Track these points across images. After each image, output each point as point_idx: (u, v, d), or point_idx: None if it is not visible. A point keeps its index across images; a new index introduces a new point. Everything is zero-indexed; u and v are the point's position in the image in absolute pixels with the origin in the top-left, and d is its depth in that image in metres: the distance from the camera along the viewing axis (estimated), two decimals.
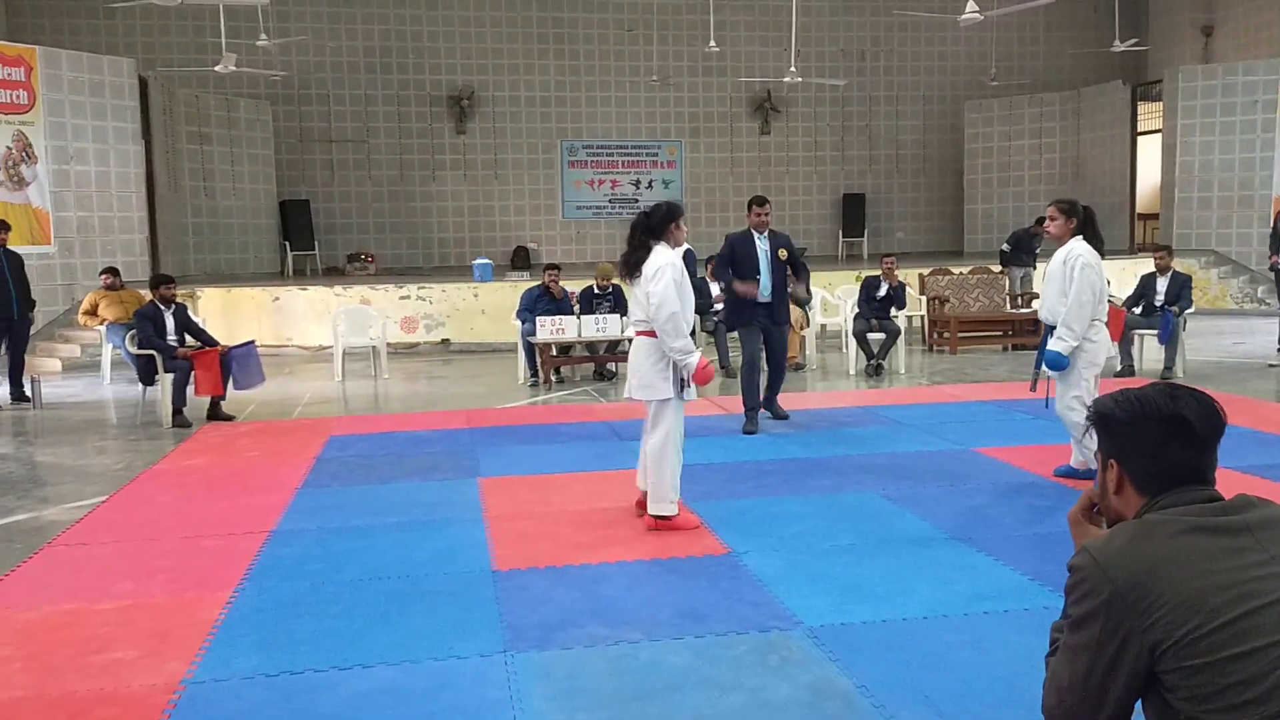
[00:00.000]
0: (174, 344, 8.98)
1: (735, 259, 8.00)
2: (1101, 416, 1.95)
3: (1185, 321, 10.53)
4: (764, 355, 8.17)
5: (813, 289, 11.30)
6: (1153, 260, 10.85)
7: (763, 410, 8.17)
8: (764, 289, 7.91)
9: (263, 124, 19.03)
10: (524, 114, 21.06)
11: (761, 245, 7.96)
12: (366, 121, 20.51)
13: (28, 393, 9.99)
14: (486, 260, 15.33)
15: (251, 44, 16.52)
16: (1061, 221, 5.77)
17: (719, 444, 7.31)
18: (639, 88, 21.32)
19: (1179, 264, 12.06)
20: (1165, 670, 1.72)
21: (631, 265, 5.32)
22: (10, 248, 10.23)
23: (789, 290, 8.22)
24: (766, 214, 7.99)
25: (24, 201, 13.30)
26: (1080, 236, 5.77)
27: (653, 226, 5.32)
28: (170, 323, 9.07)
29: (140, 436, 8.38)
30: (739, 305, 8.00)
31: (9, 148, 13.17)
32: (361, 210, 20.63)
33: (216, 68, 15.54)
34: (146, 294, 9.78)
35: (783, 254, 8.01)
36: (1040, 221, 14.87)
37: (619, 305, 11.09)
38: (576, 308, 11.20)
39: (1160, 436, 1.86)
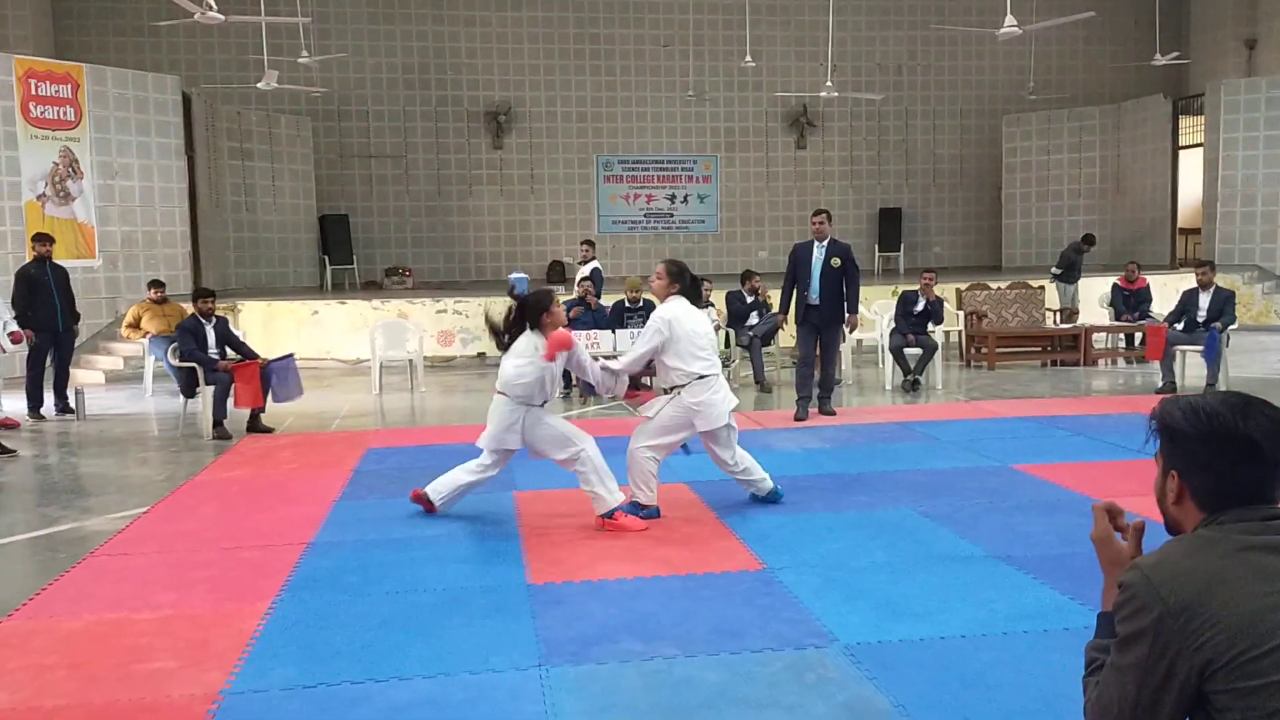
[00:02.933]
0: (215, 357, 9.10)
1: (795, 264, 9.06)
2: (1167, 427, 1.87)
3: (1228, 338, 10.38)
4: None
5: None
6: (1195, 276, 10.72)
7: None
8: (814, 292, 8.89)
9: (303, 140, 19.28)
10: (560, 129, 21.17)
11: (817, 253, 8.95)
12: (405, 137, 20.71)
13: (71, 404, 10.15)
14: (522, 274, 15.40)
15: (293, 61, 16.74)
16: (666, 282, 5.87)
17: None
18: (675, 102, 21.37)
19: (1222, 279, 11.91)
20: (1216, 691, 1.68)
21: (506, 344, 5.75)
22: (56, 261, 10.42)
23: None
24: (818, 223, 9.06)
25: (70, 216, 13.54)
26: (682, 298, 5.83)
27: (525, 319, 5.64)
28: (211, 336, 9.19)
29: (181, 448, 8.48)
30: (800, 308, 9.11)
31: (56, 163, 13.41)
32: (399, 225, 20.81)
33: (258, 84, 15.74)
34: (189, 307, 9.91)
35: (835, 262, 8.80)
36: (1086, 239, 14.77)
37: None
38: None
39: (1227, 456, 1.80)
